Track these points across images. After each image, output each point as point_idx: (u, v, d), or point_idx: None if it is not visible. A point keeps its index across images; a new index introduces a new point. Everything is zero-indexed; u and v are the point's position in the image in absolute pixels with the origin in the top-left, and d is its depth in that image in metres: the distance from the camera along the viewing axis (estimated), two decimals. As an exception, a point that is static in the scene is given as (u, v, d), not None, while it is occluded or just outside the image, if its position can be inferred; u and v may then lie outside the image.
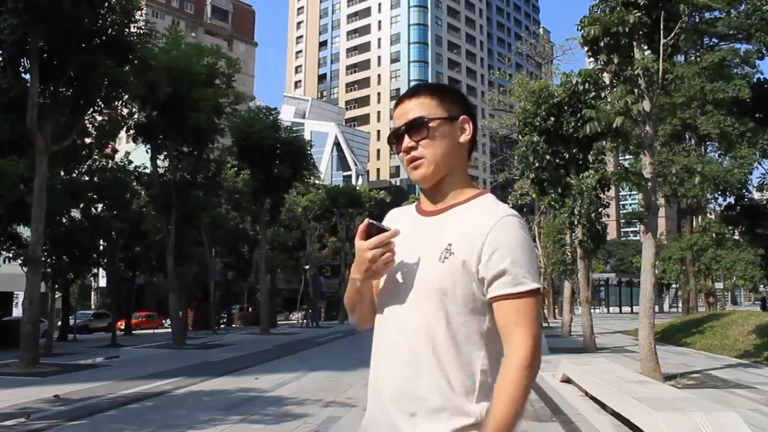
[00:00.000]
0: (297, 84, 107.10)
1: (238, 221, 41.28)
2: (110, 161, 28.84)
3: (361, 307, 1.77)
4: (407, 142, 1.71)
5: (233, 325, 45.33)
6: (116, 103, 20.93)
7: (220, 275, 41.93)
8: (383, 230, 1.65)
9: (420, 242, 1.68)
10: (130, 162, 29.24)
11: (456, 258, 1.60)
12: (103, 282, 47.63)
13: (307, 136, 47.09)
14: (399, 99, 1.78)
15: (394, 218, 1.84)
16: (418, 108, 1.71)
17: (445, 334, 1.60)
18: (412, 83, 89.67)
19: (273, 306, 41.80)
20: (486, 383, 1.61)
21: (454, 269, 1.60)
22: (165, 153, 25.01)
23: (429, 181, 1.72)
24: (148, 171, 27.34)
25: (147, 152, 25.48)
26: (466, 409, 1.58)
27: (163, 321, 41.20)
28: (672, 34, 12.06)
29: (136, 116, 24.36)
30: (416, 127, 1.70)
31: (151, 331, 34.88)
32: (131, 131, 24.43)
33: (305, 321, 40.28)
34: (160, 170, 25.33)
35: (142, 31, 18.77)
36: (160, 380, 12.26)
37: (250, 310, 50.07)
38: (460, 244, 1.61)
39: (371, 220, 1.68)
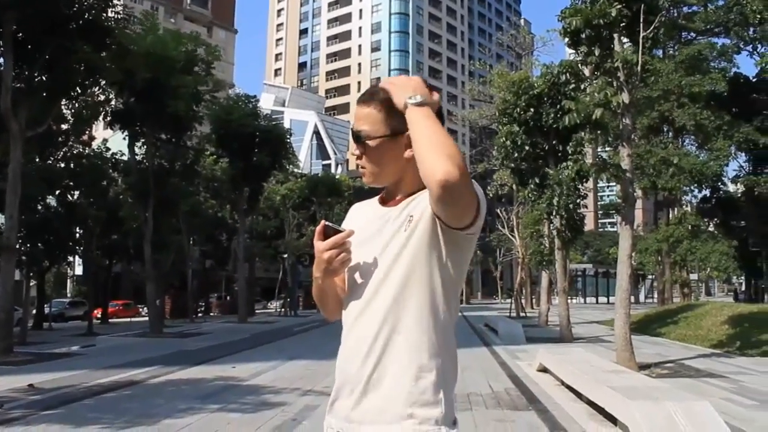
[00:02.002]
0: (277, 72, 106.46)
1: (217, 209, 41.05)
2: (87, 148, 28.51)
3: (326, 301, 1.84)
4: (353, 149, 1.78)
5: (211, 314, 45.14)
6: (93, 89, 20.64)
7: (197, 264, 41.76)
8: (339, 231, 1.70)
9: (386, 229, 1.72)
10: (107, 149, 28.94)
11: (414, 222, 1.66)
12: (79, 270, 47.23)
13: (286, 125, 46.97)
14: (359, 99, 1.78)
15: (357, 213, 1.88)
16: (364, 119, 1.72)
17: (410, 322, 1.66)
18: (393, 72, 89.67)
19: (251, 295, 41.70)
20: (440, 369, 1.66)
21: (414, 231, 1.66)
22: (143, 140, 24.76)
23: (378, 186, 1.79)
24: (125, 158, 27.07)
25: (124, 139, 25.19)
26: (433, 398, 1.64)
27: (140, 309, 40.93)
28: (651, 27, 12.13)
29: (113, 103, 24.06)
30: (360, 140, 1.73)
31: (127, 319, 34.66)
32: (108, 118, 24.13)
33: (283, 310, 40.22)
34: (138, 157, 25.09)
35: (119, 16, 18.51)
36: (137, 369, 12.18)
37: (227, 298, 49.91)
38: (417, 211, 1.67)
39: (327, 222, 1.72)
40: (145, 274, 25.32)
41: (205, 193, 37.05)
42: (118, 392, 9.58)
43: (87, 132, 27.38)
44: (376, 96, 1.72)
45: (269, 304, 52.94)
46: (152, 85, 22.00)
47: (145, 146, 24.90)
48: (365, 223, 1.76)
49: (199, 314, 40.68)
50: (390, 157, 1.71)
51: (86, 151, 27.99)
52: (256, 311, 44.16)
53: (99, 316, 34.93)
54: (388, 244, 1.70)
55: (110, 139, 31.18)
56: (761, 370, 11.72)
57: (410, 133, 1.59)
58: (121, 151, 27.62)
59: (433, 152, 1.50)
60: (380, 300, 1.67)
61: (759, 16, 21.89)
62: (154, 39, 22.79)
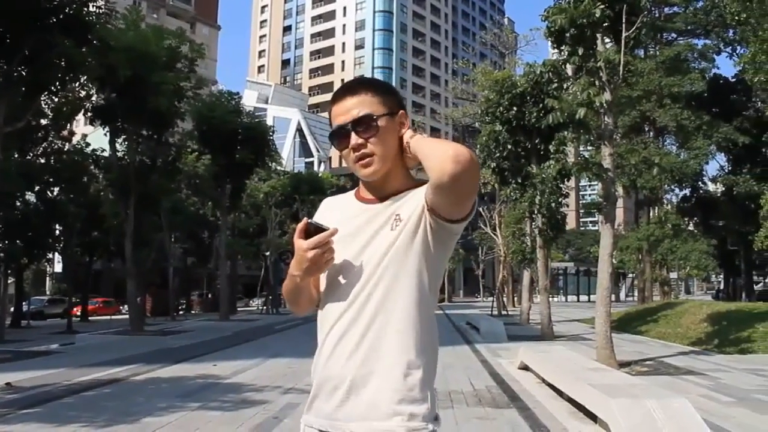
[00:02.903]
0: (260, 69, 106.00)
1: (199, 207, 40.84)
2: (67, 144, 28.24)
3: (300, 299, 1.81)
4: (355, 139, 1.71)
5: (192, 312, 44.87)
6: (74, 84, 20.45)
7: (179, 261, 41.49)
8: (322, 229, 1.66)
9: (369, 226, 1.73)
10: (88, 145, 28.67)
11: (403, 221, 1.69)
12: (58, 267, 46.81)
13: (269, 122, 46.84)
14: (337, 95, 1.77)
15: (331, 207, 1.86)
16: (361, 105, 1.72)
17: (399, 320, 1.67)
18: (377, 70, 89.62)
19: (233, 292, 41.50)
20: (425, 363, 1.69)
21: (403, 230, 1.69)
22: (124, 136, 24.53)
23: (378, 177, 1.74)
24: (106, 154, 26.81)
25: (105, 135, 24.94)
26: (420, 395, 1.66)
27: (121, 307, 40.65)
28: (633, 28, 12.21)
29: (94, 98, 23.84)
30: (365, 124, 1.71)
31: (108, 317, 34.40)
32: (89, 113, 23.90)
33: (265, 308, 40.07)
34: (119, 154, 24.86)
35: (101, 11, 18.34)
36: (117, 367, 12.08)
37: (209, 296, 49.64)
38: (405, 210, 1.70)
39: (310, 220, 1.69)
40: (125, 272, 25.13)
41: (186, 190, 36.85)
42: (97, 390, 9.50)
43: (67, 128, 27.12)
44: (362, 84, 1.76)
45: (251, 301, 52.73)
46: (134, 81, 21.77)
47: (126, 142, 24.67)
48: (344, 219, 1.75)
49: (181, 312, 40.45)
50: (393, 138, 1.73)
51: (66, 147, 27.73)
52: (238, 309, 43.98)
53: (79, 313, 34.63)
54: (372, 241, 1.71)
55: (91, 135, 30.96)
56: (739, 368, 11.86)
57: (416, 154, 1.67)
58: (102, 147, 27.36)
59: (443, 144, 1.60)
60: (368, 298, 1.68)
61: (737, 18, 22.12)
62: (136, 34, 22.59)
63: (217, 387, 9.72)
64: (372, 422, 1.62)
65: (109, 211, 27.15)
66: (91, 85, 22.60)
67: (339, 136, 1.74)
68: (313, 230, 1.66)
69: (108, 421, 7.07)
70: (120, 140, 24.76)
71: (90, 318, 35.90)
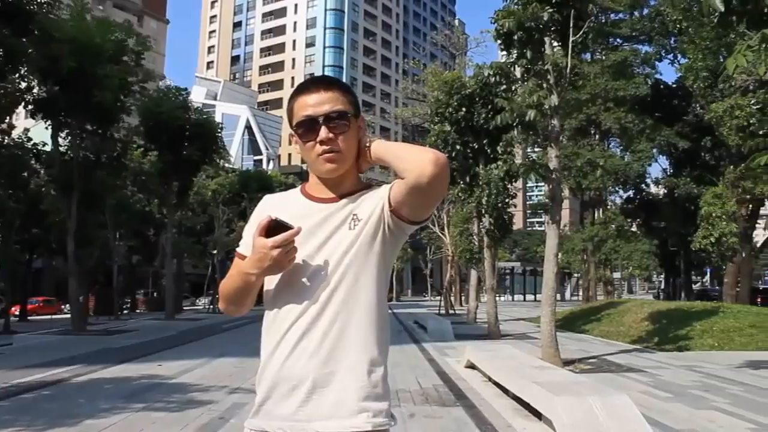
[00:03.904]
0: (209, 65, 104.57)
1: (145, 204, 40.05)
2: (6, 137, 27.30)
3: (248, 299, 1.78)
4: (326, 133, 1.71)
5: (137, 311, 44.06)
6: (13, 75, 19.81)
7: (124, 259, 40.64)
8: (284, 226, 1.64)
9: (326, 225, 1.74)
10: (29, 139, 27.80)
11: (363, 221, 1.72)
12: (-4, 265, 45.27)
13: (218, 119, 46.23)
14: (307, 86, 1.77)
15: (275, 205, 1.82)
16: (335, 102, 1.73)
17: (361, 318, 1.70)
18: (327, 69, 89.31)
19: (179, 291, 40.90)
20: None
21: (363, 229, 1.72)
22: (67, 131, 23.89)
23: (337, 175, 1.75)
24: (48, 149, 26.07)
25: (47, 129, 24.24)
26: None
27: (63, 306, 39.59)
28: (581, 32, 12.46)
29: (35, 90, 23.14)
30: (337, 120, 1.72)
31: (49, 316, 33.48)
32: (30, 107, 23.19)
33: (212, 307, 39.57)
34: (62, 149, 24.19)
35: (43, 1, 17.82)
36: (58, 368, 11.78)
37: (155, 295, 48.81)
38: (363, 210, 1.73)
39: (275, 217, 1.65)
40: (67, 270, 24.50)
41: (132, 186, 36.07)
42: (37, 393, 9.24)
43: (6, 120, 26.24)
44: (334, 82, 1.79)
45: (198, 300, 52.02)
46: (78, 74, 21.20)
47: (69, 137, 24.03)
48: (296, 218, 1.72)
49: (125, 311, 39.63)
50: (355, 138, 1.76)
51: (5, 141, 26.81)
52: (184, 308, 43.36)
53: (17, 313, 33.61)
54: (329, 240, 1.72)
55: (32, 129, 29.98)
56: (677, 364, 12.23)
57: (384, 156, 1.73)
58: (43, 141, 26.59)
59: (419, 148, 1.69)
60: (331, 296, 1.68)
61: (678, 26, 22.80)
62: (80, 26, 22.01)
63: (162, 387, 9.56)
64: (337, 420, 1.63)
65: (50, 208, 26.40)
66: (32, 77, 21.94)
67: (307, 126, 1.73)
68: (274, 228, 1.63)
69: (47, 425, 6.88)
70: (63, 135, 24.09)
71: (29, 318, 34.85)
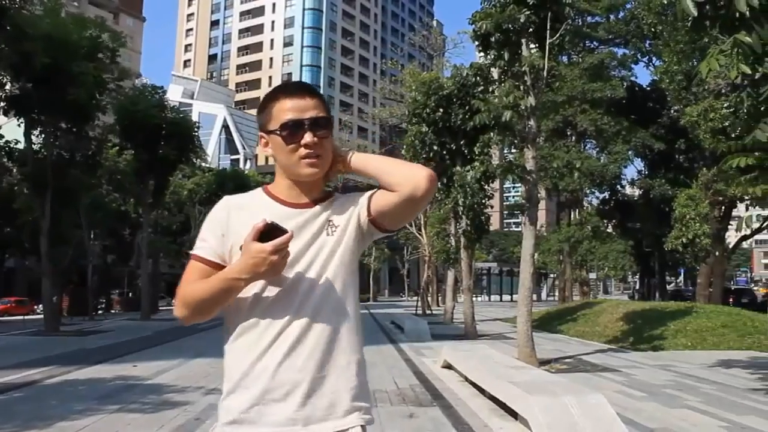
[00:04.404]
0: (186, 63, 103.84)
1: (120, 203, 39.69)
2: (-23, 135, 26.91)
3: (220, 305, 1.73)
4: (311, 138, 1.72)
5: (112, 311, 43.61)
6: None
7: (99, 259, 40.22)
8: (279, 230, 1.62)
9: (305, 231, 1.76)
10: (1, 137, 27.40)
11: (340, 227, 1.78)
12: (-33, 264, 44.58)
13: (195, 118, 45.91)
14: (292, 90, 1.78)
15: (242, 208, 1.79)
16: (319, 109, 1.76)
17: (348, 323, 1.76)
18: (305, 68, 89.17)
19: (155, 291, 40.52)
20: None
21: (342, 236, 1.77)
22: (40, 128, 23.57)
23: (315, 179, 1.78)
24: (21, 147, 25.70)
25: (20, 126, 23.89)
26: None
27: (36, 307, 39.08)
28: (558, 35, 12.56)
29: (8, 87, 22.81)
30: (323, 127, 1.75)
31: (21, 317, 33.00)
32: (2, 103, 22.85)
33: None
34: (35, 147, 23.85)
35: (16, -4, 17.58)
36: (30, 369, 11.60)
37: (130, 295, 48.39)
38: (338, 217, 1.79)
39: (271, 221, 1.62)
40: (41, 270, 24.17)
41: (107, 185, 35.70)
42: (8, 395, 9.10)
43: (-22, 118, 25.86)
44: (315, 90, 1.82)
45: (173, 301, 51.52)
46: (52, 71, 20.92)
47: (43, 135, 23.71)
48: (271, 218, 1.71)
49: (100, 311, 39.24)
50: (331, 146, 1.80)
51: (-24, 139, 26.42)
52: (160, 308, 42.95)
53: (-11, 313, 33.16)
54: (310, 245, 1.74)
55: (4, 127, 29.55)
56: (651, 364, 12.38)
57: (366, 168, 1.80)
58: (16, 139, 26.20)
59: (409, 165, 1.79)
60: (322, 302, 1.71)
61: (653, 30, 23.08)
62: (55, 22, 21.73)
63: (137, 388, 9.47)
64: (332, 421, 1.69)
65: (23, 206, 26.06)
66: (3, 73, 21.62)
67: (292, 129, 1.73)
68: (267, 231, 1.61)
69: (19, 427, 6.79)
70: (36, 132, 23.76)
71: (1, 318, 34.39)
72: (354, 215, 1.78)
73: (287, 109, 1.75)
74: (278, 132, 1.75)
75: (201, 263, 1.76)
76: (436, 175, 1.74)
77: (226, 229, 1.76)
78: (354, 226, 1.78)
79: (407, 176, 1.72)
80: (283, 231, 1.61)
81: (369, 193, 1.80)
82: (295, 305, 1.70)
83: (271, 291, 1.71)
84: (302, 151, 1.73)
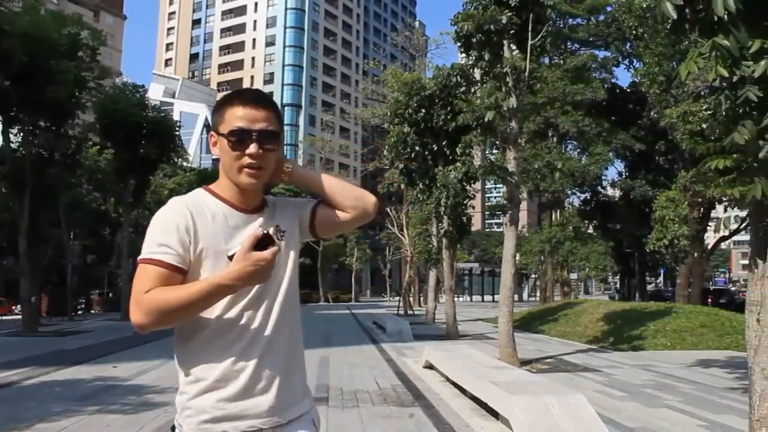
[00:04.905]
0: (167, 62, 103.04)
1: (100, 203, 39.35)
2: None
3: (197, 311, 1.71)
4: (256, 149, 1.76)
5: (92, 312, 43.21)
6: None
7: (78, 259, 39.81)
8: (270, 240, 1.67)
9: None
10: (-22, 135, 27.09)
11: (288, 233, 1.90)
12: (-57, 264, 43.97)
13: (176, 117, 45.71)
14: (247, 99, 1.80)
15: (201, 213, 1.77)
16: (270, 122, 1.79)
17: (297, 322, 1.92)
18: (287, 68, 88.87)
19: (135, 292, 40.13)
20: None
21: (291, 241, 1.90)
22: (19, 127, 23.31)
23: (255, 188, 1.83)
24: (-1, 145, 25.42)
25: (-2, 125, 23.63)
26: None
27: (13, 307, 38.65)
28: (539, 36, 12.64)
29: (-15, 85, 22.52)
30: (271, 141, 1.78)
31: (-2, 317, 32.62)
32: (-21, 101, 22.55)
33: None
34: (13, 145, 23.58)
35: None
36: (7, 371, 11.47)
37: (110, 295, 47.96)
38: (285, 224, 1.90)
39: (266, 231, 1.69)
40: (19, 270, 23.89)
41: (87, 185, 35.36)
42: (-15, 395, 9.00)
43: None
44: (270, 102, 1.84)
45: (131, 307, 51.15)
46: (31, 69, 20.68)
47: (21, 133, 23.45)
48: (231, 228, 1.79)
49: (79, 312, 38.85)
50: (276, 157, 1.85)
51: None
52: (140, 308, 42.59)
53: (-34, 313, 32.73)
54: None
55: (-18, 125, 29.22)
56: (631, 364, 12.49)
57: (308, 183, 1.96)
58: (-6, 137, 25.92)
59: (357, 189, 1.99)
60: (284, 305, 1.84)
61: (634, 33, 23.27)
62: (33, 20, 21.48)
63: (117, 389, 9.40)
64: (295, 407, 1.86)
65: (1, 206, 25.73)
66: (-19, 71, 21.34)
67: (239, 137, 1.76)
68: (261, 242, 1.65)
69: (-3, 427, 6.72)
70: (14, 131, 23.51)
71: (-22, 318, 33.95)
72: (296, 221, 1.93)
73: (239, 117, 1.77)
74: (226, 136, 1.78)
75: (164, 269, 1.71)
76: (376, 200, 1.98)
77: (193, 236, 1.73)
78: (297, 232, 1.93)
79: (357, 200, 1.93)
80: (270, 239, 1.67)
81: (312, 203, 1.96)
82: (265, 308, 1.80)
83: (242, 295, 1.75)
84: (246, 160, 1.76)
